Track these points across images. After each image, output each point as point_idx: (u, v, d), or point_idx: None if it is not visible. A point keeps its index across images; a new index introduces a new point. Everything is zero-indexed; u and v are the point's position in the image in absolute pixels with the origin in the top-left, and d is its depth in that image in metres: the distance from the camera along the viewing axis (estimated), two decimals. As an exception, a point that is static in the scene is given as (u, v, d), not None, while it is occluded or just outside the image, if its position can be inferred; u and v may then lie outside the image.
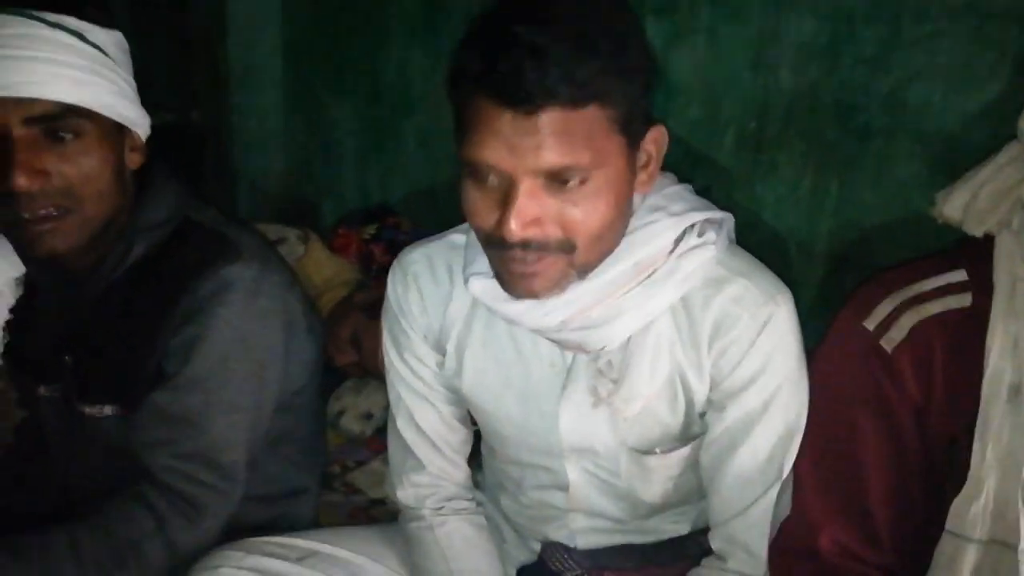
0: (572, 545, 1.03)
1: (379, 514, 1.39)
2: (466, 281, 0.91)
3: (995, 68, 1.19)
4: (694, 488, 1.00)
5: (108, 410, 1.01)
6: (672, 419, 0.93)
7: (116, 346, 1.00)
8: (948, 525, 0.85)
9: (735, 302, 0.88)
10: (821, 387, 0.94)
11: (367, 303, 1.65)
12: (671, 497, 0.99)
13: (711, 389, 0.91)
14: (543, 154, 0.75)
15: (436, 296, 0.99)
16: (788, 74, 1.39)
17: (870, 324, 0.89)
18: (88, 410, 1.02)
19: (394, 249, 1.91)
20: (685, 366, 0.91)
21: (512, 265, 0.81)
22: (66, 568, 0.90)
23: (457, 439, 1.06)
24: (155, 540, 0.93)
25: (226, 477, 0.97)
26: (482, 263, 0.90)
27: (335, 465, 1.48)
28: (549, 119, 0.74)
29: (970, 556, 0.83)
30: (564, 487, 1.00)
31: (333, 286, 1.72)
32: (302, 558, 1.01)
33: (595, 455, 0.96)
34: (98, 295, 1.00)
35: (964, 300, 0.87)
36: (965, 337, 0.85)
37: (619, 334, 0.87)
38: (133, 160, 0.98)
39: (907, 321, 0.87)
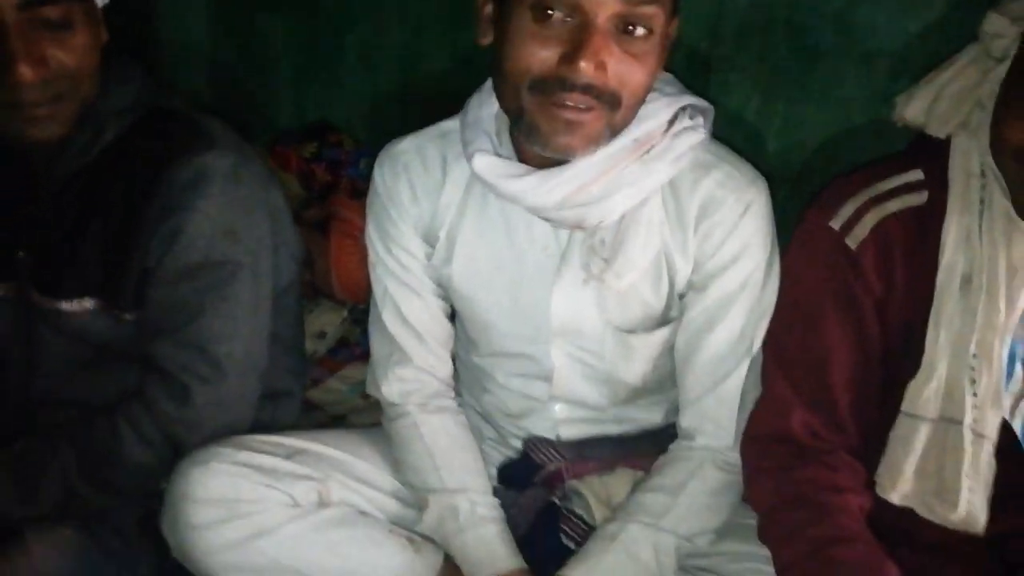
0: (554, 437, 1.07)
1: (341, 428, 1.38)
2: (469, 158, 0.91)
3: (936, -10, 1.27)
4: (668, 374, 1.05)
5: (88, 303, 0.96)
6: (655, 299, 0.98)
7: (87, 239, 0.95)
8: (903, 407, 0.93)
9: (720, 185, 0.94)
10: (790, 283, 1.00)
11: (318, 220, 1.62)
12: (649, 380, 1.04)
13: (693, 270, 0.97)
14: None
15: (428, 185, 0.99)
16: (741, -7, 1.43)
17: (835, 223, 0.95)
18: (64, 306, 0.96)
19: (336, 168, 1.86)
20: (672, 246, 0.95)
21: (562, 112, 0.82)
22: (50, 470, 0.88)
23: (443, 332, 1.07)
24: (144, 419, 0.93)
25: (217, 368, 0.95)
26: (484, 141, 0.92)
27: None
28: None
29: (922, 433, 0.92)
30: (547, 376, 1.03)
31: (280, 202, 1.67)
32: (291, 455, 1.00)
33: (580, 337, 1.00)
34: (60, 185, 0.94)
35: (921, 198, 0.93)
36: (922, 232, 0.92)
37: (616, 209, 0.91)
38: (101, 34, 0.92)
39: (870, 219, 0.94)
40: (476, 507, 1.00)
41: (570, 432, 1.07)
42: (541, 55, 0.81)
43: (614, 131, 0.87)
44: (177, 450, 0.96)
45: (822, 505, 0.92)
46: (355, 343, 1.60)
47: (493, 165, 0.90)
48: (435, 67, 1.78)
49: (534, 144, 0.86)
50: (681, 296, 0.99)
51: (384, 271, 1.04)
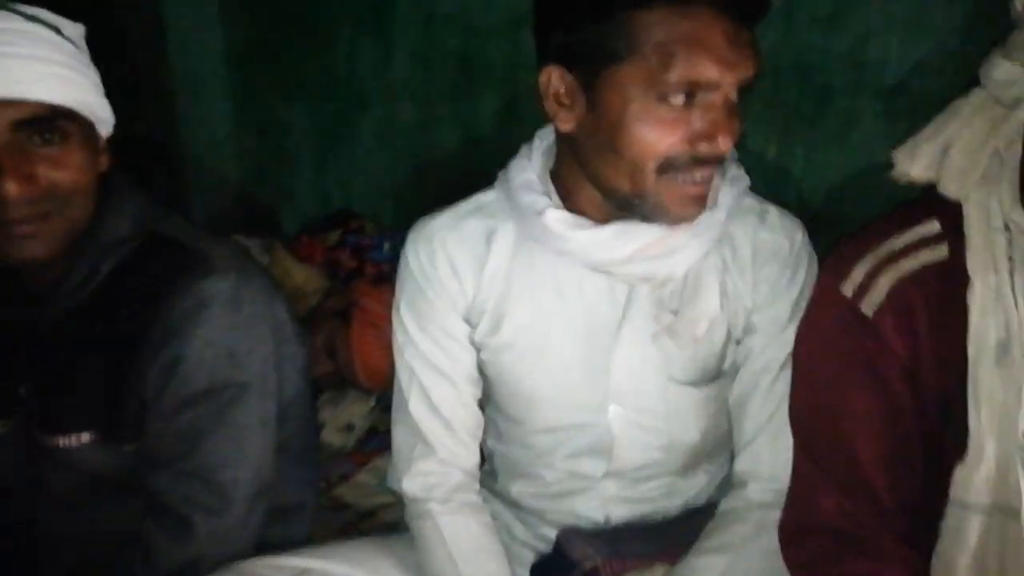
0: (602, 519, 1.01)
1: (369, 527, 1.35)
2: (539, 214, 0.91)
3: (947, 18, 1.20)
4: (724, 435, 1.01)
5: (85, 437, 0.95)
6: (718, 346, 0.96)
7: (86, 373, 0.94)
8: (952, 494, 0.82)
9: (772, 230, 0.95)
10: (805, 353, 0.92)
11: (340, 309, 1.62)
12: (708, 438, 0.99)
13: (752, 313, 0.95)
14: (748, 65, 0.81)
15: (469, 259, 0.96)
16: (745, 40, 1.39)
17: (847, 290, 0.85)
18: (62, 441, 0.96)
19: (360, 253, 1.87)
20: (732, 293, 0.94)
21: (691, 188, 0.84)
22: None
23: (472, 421, 1.01)
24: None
25: (222, 496, 0.93)
26: (543, 200, 0.92)
27: (320, 481, 1.44)
28: (750, 34, 0.81)
29: (975, 525, 0.81)
30: (601, 449, 0.98)
31: (303, 294, 1.68)
32: (294, 577, 0.97)
33: (639, 396, 0.96)
34: (58, 319, 0.95)
35: (940, 252, 0.83)
36: (947, 291, 0.82)
37: (686, 260, 0.90)
38: (102, 162, 0.92)
39: (885, 282, 0.84)
40: (499, 617, 0.95)
41: (619, 513, 1.01)
42: (671, 137, 0.81)
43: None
44: None
45: None
46: (385, 431, 1.56)
47: (565, 219, 0.90)
48: (447, 142, 1.79)
49: (659, 220, 0.87)
50: (738, 342, 0.97)
51: (414, 353, 0.99)
